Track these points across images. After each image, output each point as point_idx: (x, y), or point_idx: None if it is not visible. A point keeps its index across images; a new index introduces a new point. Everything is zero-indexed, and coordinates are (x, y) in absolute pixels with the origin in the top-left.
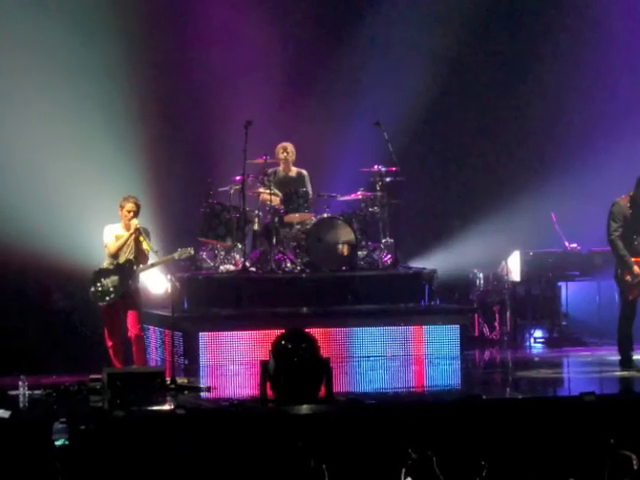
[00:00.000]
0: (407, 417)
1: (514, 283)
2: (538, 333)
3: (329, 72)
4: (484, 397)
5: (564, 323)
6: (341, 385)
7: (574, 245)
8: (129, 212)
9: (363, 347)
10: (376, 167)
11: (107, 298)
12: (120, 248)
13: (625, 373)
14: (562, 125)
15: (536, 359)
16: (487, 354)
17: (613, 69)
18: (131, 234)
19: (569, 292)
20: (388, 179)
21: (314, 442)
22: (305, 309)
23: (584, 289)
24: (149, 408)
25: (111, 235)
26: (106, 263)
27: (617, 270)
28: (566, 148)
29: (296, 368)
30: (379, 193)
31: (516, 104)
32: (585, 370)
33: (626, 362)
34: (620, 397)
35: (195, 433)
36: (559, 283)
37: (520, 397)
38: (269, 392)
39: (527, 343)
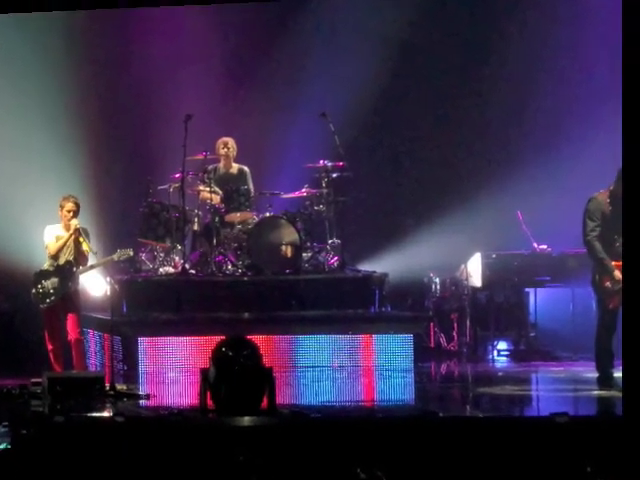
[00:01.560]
0: (355, 433)
1: (475, 289)
2: (502, 345)
3: (272, 61)
4: (440, 414)
5: (532, 334)
6: (284, 396)
7: (544, 246)
8: (69, 212)
9: (308, 356)
10: (322, 162)
11: (47, 300)
12: (60, 249)
13: (604, 392)
14: (530, 111)
15: (500, 374)
16: (444, 367)
17: (589, 48)
18: (71, 235)
19: (538, 299)
20: (335, 175)
21: (256, 456)
22: (247, 314)
23: (555, 296)
24: (88, 414)
25: (52, 236)
26: (47, 264)
27: (595, 275)
28: (535, 137)
29: (237, 377)
30: (325, 190)
31: (477, 89)
32: (557, 388)
33: (605, 380)
34: (597, 419)
35: (135, 441)
36: (526, 289)
37: (481, 416)
38: (209, 401)
39: (489, 356)
